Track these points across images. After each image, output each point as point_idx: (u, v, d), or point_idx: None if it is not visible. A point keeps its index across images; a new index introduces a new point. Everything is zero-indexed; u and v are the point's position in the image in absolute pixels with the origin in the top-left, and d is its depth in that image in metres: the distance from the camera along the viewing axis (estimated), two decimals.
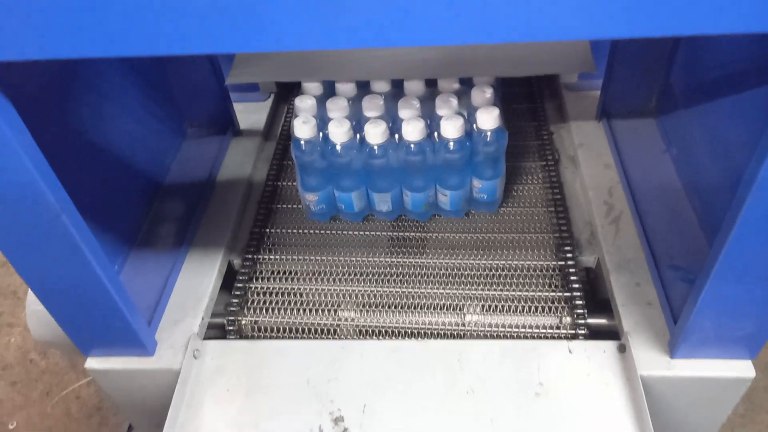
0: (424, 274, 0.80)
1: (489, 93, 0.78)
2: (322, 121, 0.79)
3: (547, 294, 0.76)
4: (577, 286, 0.75)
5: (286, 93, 1.11)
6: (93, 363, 0.70)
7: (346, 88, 0.83)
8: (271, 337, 0.76)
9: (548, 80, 1.08)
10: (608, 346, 0.69)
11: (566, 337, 0.72)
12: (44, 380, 1.43)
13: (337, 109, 0.78)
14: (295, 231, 0.87)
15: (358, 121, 0.79)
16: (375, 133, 0.75)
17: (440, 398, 0.67)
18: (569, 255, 0.79)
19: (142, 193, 0.88)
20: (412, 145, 0.76)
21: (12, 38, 0.41)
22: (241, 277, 0.80)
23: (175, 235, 0.84)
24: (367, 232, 0.86)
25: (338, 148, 0.77)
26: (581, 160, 0.90)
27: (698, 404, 0.69)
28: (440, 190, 0.82)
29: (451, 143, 0.76)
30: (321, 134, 0.78)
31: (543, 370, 0.68)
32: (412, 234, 0.85)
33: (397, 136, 0.77)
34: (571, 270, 0.77)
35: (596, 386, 0.66)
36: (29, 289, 0.75)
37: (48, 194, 0.51)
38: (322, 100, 0.81)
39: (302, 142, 0.78)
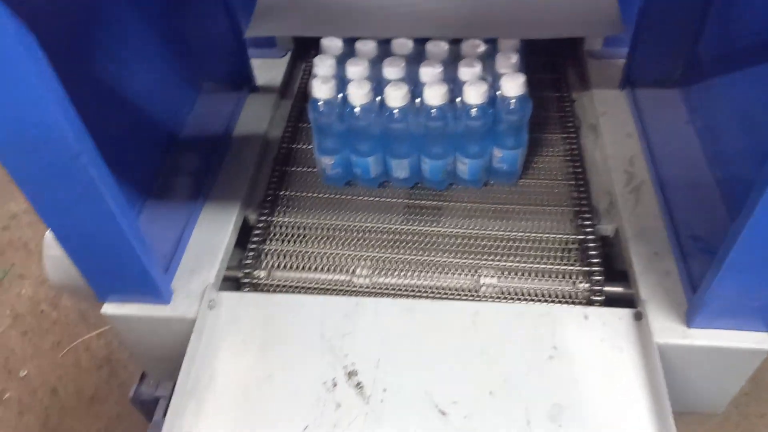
0: (440, 242, 0.79)
1: (514, 59, 0.76)
2: (341, 83, 0.77)
3: (563, 260, 0.75)
4: (594, 253, 0.75)
5: (304, 50, 1.10)
6: (109, 308, 0.71)
7: (367, 49, 0.81)
8: (286, 291, 0.76)
9: (572, 48, 1.06)
10: (624, 314, 0.69)
11: (582, 304, 0.72)
12: (55, 331, 1.45)
13: (357, 70, 0.76)
14: (309, 194, 0.86)
15: (378, 84, 0.77)
16: (395, 96, 0.74)
17: (453, 357, 0.67)
18: (587, 223, 0.78)
19: (157, 144, 0.87)
20: (433, 110, 0.74)
21: None
22: (256, 232, 0.80)
23: (190, 188, 0.84)
24: (383, 199, 0.85)
25: (357, 110, 0.75)
26: (603, 129, 0.89)
27: (712, 374, 0.69)
28: (459, 158, 0.80)
29: (474, 109, 0.74)
30: (339, 96, 0.77)
31: (557, 333, 0.68)
32: (428, 202, 0.84)
33: (418, 100, 0.75)
34: (589, 237, 0.77)
35: (610, 352, 0.66)
36: (46, 234, 0.75)
37: (68, 133, 0.51)
38: (341, 61, 0.79)
39: (320, 104, 0.76)
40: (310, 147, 0.90)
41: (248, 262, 0.77)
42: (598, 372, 0.65)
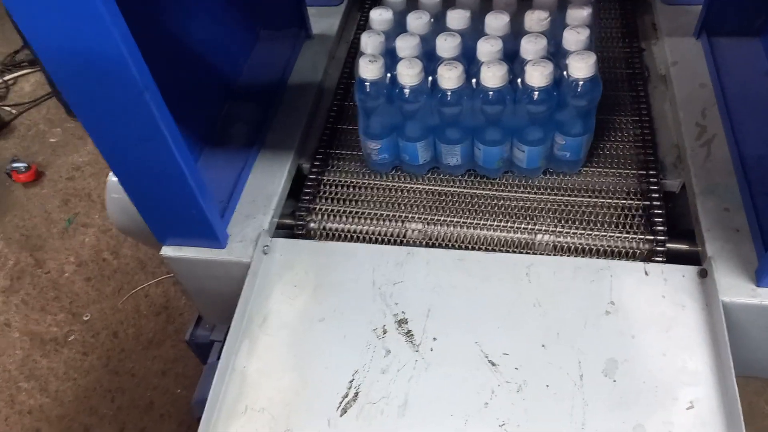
0: (496, 204, 0.76)
1: (585, 35, 0.67)
2: (391, 59, 0.71)
3: (625, 216, 0.72)
4: (658, 204, 0.71)
5: None
6: (168, 251, 0.73)
7: (419, 23, 0.72)
8: (338, 240, 0.76)
9: None
10: (688, 271, 0.66)
11: (643, 258, 0.69)
12: (116, 278, 1.52)
13: (408, 46, 0.69)
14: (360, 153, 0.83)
15: (431, 61, 0.70)
16: (449, 77, 0.67)
17: (506, 309, 0.66)
18: (653, 174, 0.74)
19: (216, 92, 0.88)
20: (490, 93, 0.67)
21: None
22: (310, 179, 0.80)
23: (246, 135, 0.85)
24: (432, 186, 0.80)
25: (406, 91, 0.69)
26: (674, 79, 0.84)
27: None
28: (517, 144, 0.73)
29: (536, 92, 0.66)
30: (388, 75, 0.71)
31: (615, 288, 0.66)
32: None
33: (474, 81, 0.69)
34: (653, 188, 0.73)
35: (671, 308, 0.64)
36: (109, 177, 0.78)
37: (133, 69, 0.51)
38: (391, 34, 0.72)
39: (366, 84, 0.70)
40: None
41: (302, 212, 0.77)
42: (657, 329, 0.62)
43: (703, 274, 0.65)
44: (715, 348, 0.60)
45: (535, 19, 0.69)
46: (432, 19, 0.73)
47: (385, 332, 0.65)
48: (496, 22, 0.70)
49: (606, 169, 0.77)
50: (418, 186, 0.79)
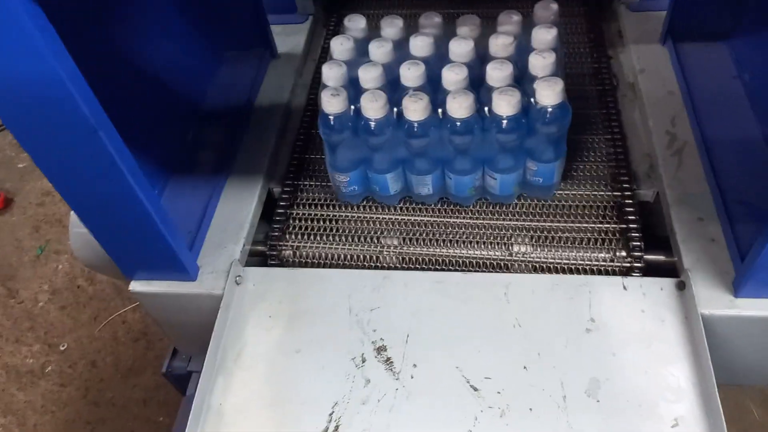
0: (471, 214, 0.75)
1: (551, 60, 0.65)
2: (354, 88, 0.68)
3: (601, 227, 0.72)
4: (633, 218, 0.71)
5: (326, 15, 1.06)
6: (137, 286, 0.70)
7: (382, 51, 0.69)
8: (312, 266, 0.75)
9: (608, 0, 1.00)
10: (666, 284, 0.66)
11: (621, 273, 0.69)
12: (92, 305, 1.49)
13: (371, 77, 0.66)
14: None
15: (395, 90, 0.68)
16: (415, 109, 0.64)
17: (486, 331, 0.65)
18: (626, 187, 0.74)
19: (180, 118, 0.86)
20: (457, 123, 0.65)
21: None
22: (281, 204, 0.79)
23: (214, 161, 0.83)
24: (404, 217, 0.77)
25: (372, 124, 0.66)
26: (642, 87, 0.83)
27: (760, 346, 0.65)
28: (489, 172, 0.71)
29: (504, 121, 0.64)
30: (352, 108, 0.68)
31: (594, 305, 0.65)
32: None
33: (440, 111, 0.66)
34: (627, 202, 0.73)
35: (651, 323, 0.63)
36: (72, 212, 0.75)
37: (83, 108, 0.49)
38: (353, 64, 0.69)
39: (330, 118, 0.67)
40: None
41: (274, 235, 0.76)
42: (637, 345, 0.62)
43: (681, 287, 0.65)
44: (696, 362, 0.60)
45: (500, 45, 0.68)
46: (394, 47, 0.71)
47: (364, 361, 0.64)
48: (461, 48, 0.68)
49: (579, 183, 0.76)
50: (391, 216, 0.77)
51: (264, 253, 0.76)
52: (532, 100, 0.65)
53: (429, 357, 0.63)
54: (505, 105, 0.63)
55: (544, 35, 0.68)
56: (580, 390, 0.60)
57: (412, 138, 0.67)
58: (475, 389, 0.61)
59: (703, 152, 0.74)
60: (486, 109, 0.65)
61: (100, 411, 1.31)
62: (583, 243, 0.71)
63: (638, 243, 0.69)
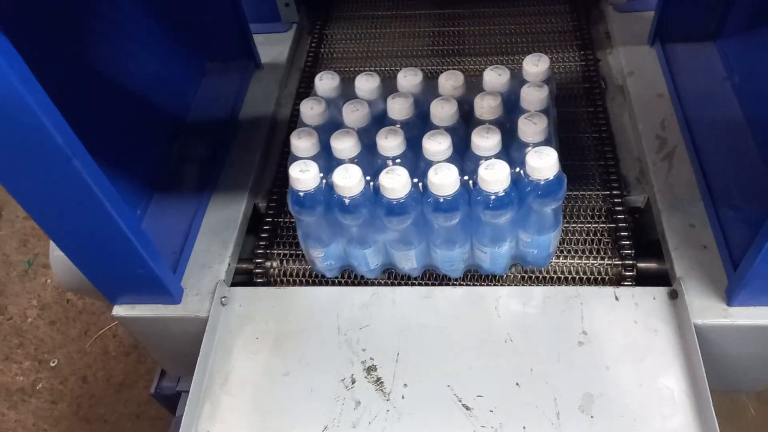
0: None
1: (542, 124, 0.59)
2: (326, 153, 0.63)
3: (593, 236, 0.71)
4: (624, 225, 0.70)
5: (310, 23, 1.04)
6: (120, 311, 0.69)
7: (356, 116, 0.64)
8: (299, 282, 0.73)
9: (594, 1, 0.98)
10: (658, 293, 0.65)
11: (612, 283, 0.68)
12: (81, 320, 1.46)
13: (345, 148, 0.60)
14: None
15: (373, 153, 0.62)
16: (392, 188, 0.57)
17: (477, 347, 0.64)
18: (616, 193, 0.73)
19: (162, 133, 0.84)
20: (441, 199, 0.58)
21: None
22: (267, 220, 0.77)
23: (198, 177, 0.81)
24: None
25: (346, 201, 0.60)
26: (631, 90, 0.82)
27: (755, 353, 0.64)
28: (478, 246, 0.64)
29: (493, 198, 0.57)
30: (324, 181, 0.61)
31: (586, 317, 0.64)
32: None
33: (421, 184, 0.60)
34: (618, 209, 0.72)
35: (644, 334, 0.62)
36: None
37: (57, 138, 0.48)
38: (326, 128, 0.64)
39: (300, 195, 0.61)
40: None
41: (260, 252, 0.74)
42: (631, 358, 0.61)
43: (674, 296, 0.64)
44: (690, 374, 0.59)
45: (486, 107, 0.62)
46: (370, 105, 0.66)
47: (353, 382, 0.63)
48: (443, 111, 0.62)
49: (569, 188, 0.75)
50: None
51: (250, 270, 0.74)
52: (522, 172, 0.58)
53: (420, 376, 0.62)
54: (492, 183, 0.56)
55: (534, 95, 0.62)
56: (574, 406, 0.59)
57: (391, 215, 0.60)
58: (468, 408, 0.60)
59: (694, 156, 0.73)
60: (471, 182, 0.59)
61: (93, 428, 1.29)
62: (574, 251, 0.70)
63: (629, 251, 0.68)
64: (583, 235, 0.71)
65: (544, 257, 0.67)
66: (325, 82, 0.69)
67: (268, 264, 0.74)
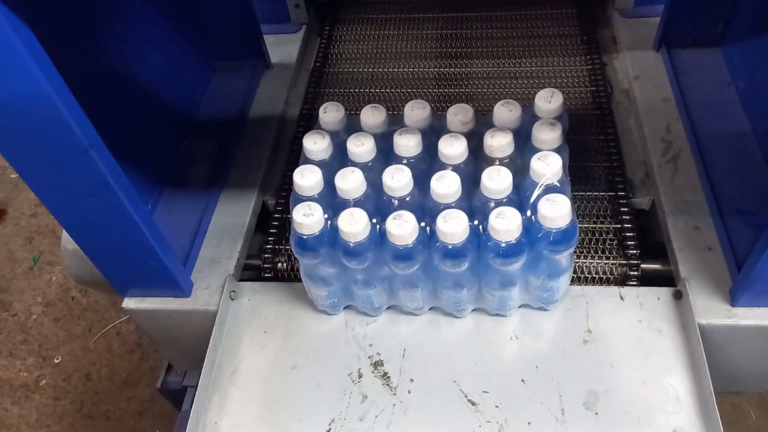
0: None
1: (556, 166, 0.56)
2: (331, 192, 0.60)
3: (598, 236, 0.71)
4: (629, 226, 0.71)
5: (319, 24, 1.06)
6: (130, 303, 0.70)
7: (362, 150, 0.61)
8: None
9: (601, 7, 1.00)
10: (663, 293, 0.65)
11: (617, 283, 0.68)
12: (86, 317, 1.47)
13: (350, 189, 0.58)
14: None
15: (379, 191, 0.59)
16: (399, 235, 0.55)
17: (483, 344, 0.64)
18: (622, 195, 0.74)
19: (173, 130, 0.85)
20: (449, 246, 0.56)
21: None
22: (276, 216, 0.78)
23: (207, 174, 0.82)
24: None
25: (351, 245, 0.57)
26: (637, 94, 0.83)
27: (757, 354, 0.65)
28: (486, 289, 0.62)
29: (503, 245, 0.55)
30: (329, 222, 0.59)
31: (592, 316, 0.65)
32: None
33: (428, 228, 0.58)
34: (623, 210, 0.72)
35: (649, 334, 0.63)
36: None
37: (74, 128, 0.49)
38: (331, 166, 0.62)
39: (305, 238, 0.59)
40: None
41: (269, 248, 0.75)
42: (635, 356, 0.61)
43: (678, 296, 0.64)
44: (694, 373, 0.60)
45: (497, 146, 0.59)
46: (376, 141, 0.63)
47: (360, 376, 0.63)
48: (452, 150, 0.59)
49: (575, 192, 0.76)
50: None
51: (259, 266, 0.75)
52: (533, 218, 0.56)
53: (426, 372, 0.63)
54: (503, 232, 0.54)
55: (548, 135, 0.59)
56: (579, 403, 0.59)
57: (397, 261, 0.58)
58: (473, 403, 0.60)
59: (699, 160, 0.74)
60: (481, 227, 0.57)
61: (96, 424, 1.30)
62: (580, 251, 0.70)
63: (634, 251, 0.69)
64: (589, 235, 0.72)
65: (554, 300, 0.65)
66: (329, 115, 0.66)
67: (276, 260, 0.74)
